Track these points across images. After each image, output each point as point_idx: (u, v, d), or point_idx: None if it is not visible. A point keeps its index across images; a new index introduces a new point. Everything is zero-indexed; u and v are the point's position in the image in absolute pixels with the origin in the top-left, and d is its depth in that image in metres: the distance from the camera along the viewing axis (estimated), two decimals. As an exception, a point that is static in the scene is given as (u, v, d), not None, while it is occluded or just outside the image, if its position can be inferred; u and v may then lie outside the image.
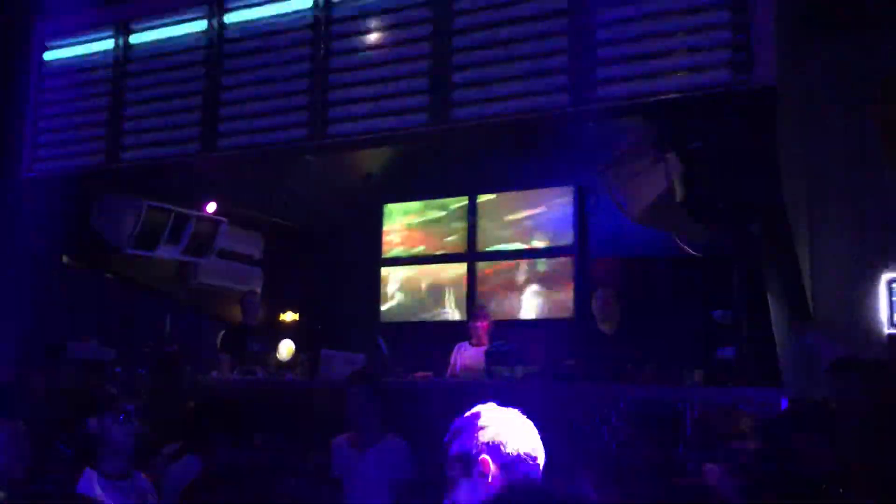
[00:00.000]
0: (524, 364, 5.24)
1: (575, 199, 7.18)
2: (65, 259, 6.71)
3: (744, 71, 4.41)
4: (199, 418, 4.31)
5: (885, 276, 6.73)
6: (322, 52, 5.47)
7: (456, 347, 6.48)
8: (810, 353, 5.21)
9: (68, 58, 6.48)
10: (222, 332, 7.04)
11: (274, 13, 5.67)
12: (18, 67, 6.63)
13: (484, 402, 2.26)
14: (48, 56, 6.55)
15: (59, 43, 6.54)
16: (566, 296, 7.12)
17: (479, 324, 6.44)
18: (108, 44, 6.26)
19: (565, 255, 7.20)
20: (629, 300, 6.09)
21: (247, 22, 5.77)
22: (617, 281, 6.59)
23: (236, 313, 7.40)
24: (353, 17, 5.44)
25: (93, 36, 6.36)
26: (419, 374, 5.77)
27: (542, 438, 2.16)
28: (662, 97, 4.60)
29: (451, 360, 6.43)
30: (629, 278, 6.75)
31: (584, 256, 7.14)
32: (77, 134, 6.36)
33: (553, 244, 7.28)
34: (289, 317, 8.19)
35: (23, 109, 6.57)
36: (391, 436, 4.37)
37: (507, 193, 7.54)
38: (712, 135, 4.70)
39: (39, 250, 6.43)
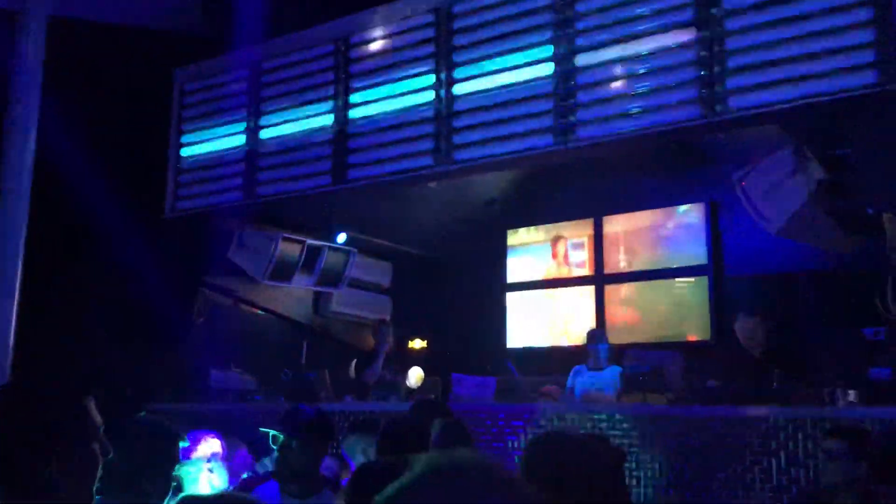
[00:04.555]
0: (662, 387, 5.04)
1: (707, 215, 6.93)
2: (206, 292, 7.03)
3: (891, 71, 4.16)
4: None
5: None
6: (445, 77, 5.55)
7: (573, 371, 6.31)
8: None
9: (205, 101, 6.86)
10: (355, 360, 7.16)
11: (397, 44, 5.81)
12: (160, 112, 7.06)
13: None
14: (188, 100, 6.95)
15: (197, 85, 6.93)
16: (702, 317, 6.85)
17: (598, 346, 6.25)
18: (243, 85, 6.59)
19: (699, 275, 6.95)
20: (772, 319, 5.79)
21: (371, 56, 5.95)
22: (759, 299, 6.29)
23: (368, 340, 7.53)
24: (478, 42, 5.49)
25: (227, 78, 6.71)
26: (545, 388, 5.69)
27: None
28: (800, 104, 4.39)
29: (568, 385, 6.26)
30: (770, 296, 6.43)
31: (719, 275, 6.86)
32: (215, 172, 6.70)
33: (686, 264, 7.04)
34: (417, 344, 8.27)
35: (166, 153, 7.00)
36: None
37: (635, 213, 7.37)
38: (859, 140, 4.44)
39: (182, 284, 6.78)
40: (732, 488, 4.14)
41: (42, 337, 5.93)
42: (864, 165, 4.49)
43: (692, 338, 6.86)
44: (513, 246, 8.09)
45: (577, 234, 7.71)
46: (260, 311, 7.30)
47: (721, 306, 6.70)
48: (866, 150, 4.50)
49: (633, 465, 4.39)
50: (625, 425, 4.64)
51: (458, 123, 5.51)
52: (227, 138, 6.62)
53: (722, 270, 6.83)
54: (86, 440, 1.73)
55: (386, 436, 3.55)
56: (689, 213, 7.05)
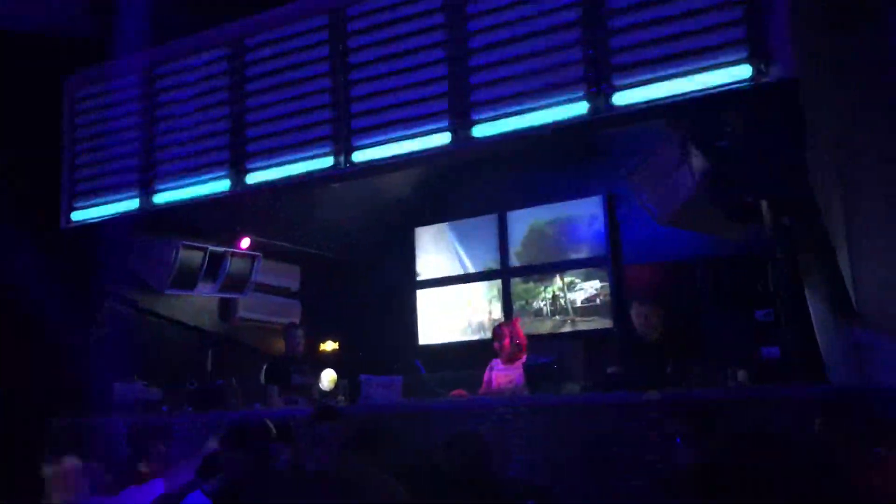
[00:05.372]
0: (564, 376, 5.18)
1: (605, 207, 7.14)
2: (107, 304, 6.84)
3: (763, 65, 4.37)
4: None
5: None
6: (342, 79, 5.55)
7: (489, 365, 6.40)
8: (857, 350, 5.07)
9: (97, 108, 6.67)
10: (266, 365, 7.09)
11: (293, 46, 5.78)
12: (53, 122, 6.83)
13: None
14: (79, 108, 6.74)
15: (87, 92, 6.74)
16: (604, 307, 7.05)
17: (505, 342, 6.33)
18: (134, 91, 6.44)
19: (600, 266, 7.15)
20: (670, 305, 6.01)
21: (266, 59, 5.89)
22: (655, 287, 6.51)
23: (278, 345, 7.46)
24: (369, 45, 5.51)
25: (119, 84, 6.54)
26: (455, 392, 5.75)
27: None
28: (681, 99, 4.58)
29: (486, 378, 6.34)
30: (668, 283, 6.68)
31: (618, 265, 7.08)
32: (110, 181, 6.53)
33: (587, 255, 7.23)
34: (329, 346, 8.24)
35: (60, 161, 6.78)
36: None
37: (537, 207, 7.53)
38: (737, 131, 4.65)
39: (82, 296, 6.59)
40: (625, 472, 4.29)
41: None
42: (742, 156, 4.70)
43: (594, 326, 7.06)
44: (421, 243, 8.16)
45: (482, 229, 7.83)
46: (164, 321, 7.15)
47: (620, 295, 6.91)
48: (744, 142, 4.71)
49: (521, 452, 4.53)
50: (530, 416, 4.75)
51: (355, 125, 5.52)
52: (121, 146, 6.45)
53: (620, 260, 7.05)
54: None
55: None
56: (589, 206, 7.25)
